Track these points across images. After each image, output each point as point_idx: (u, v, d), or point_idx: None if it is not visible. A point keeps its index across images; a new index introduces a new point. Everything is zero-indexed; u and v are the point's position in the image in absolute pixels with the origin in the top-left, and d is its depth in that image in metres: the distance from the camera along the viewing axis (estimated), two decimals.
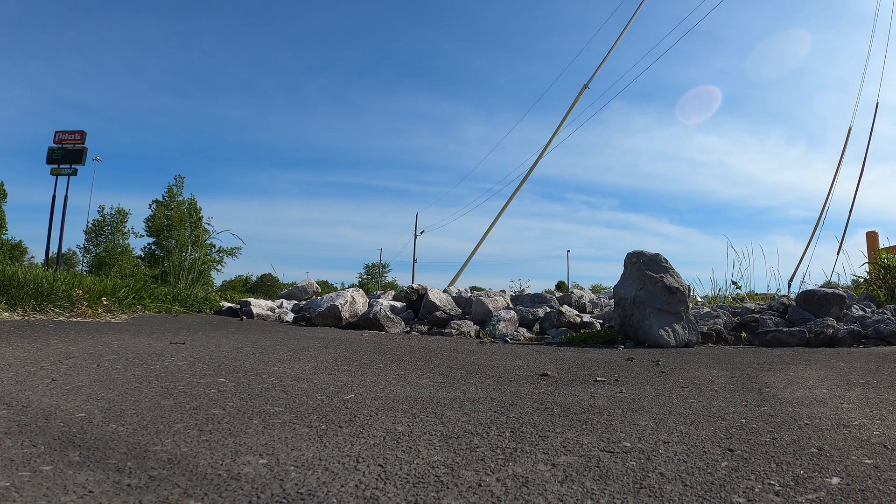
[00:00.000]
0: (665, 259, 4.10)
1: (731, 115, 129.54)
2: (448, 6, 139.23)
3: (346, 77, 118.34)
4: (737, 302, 6.72)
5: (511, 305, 5.22)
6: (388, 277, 57.33)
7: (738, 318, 4.64)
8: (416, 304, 5.49)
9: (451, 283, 10.39)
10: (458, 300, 5.58)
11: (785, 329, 3.99)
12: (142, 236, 36.11)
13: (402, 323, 4.90)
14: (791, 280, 8.97)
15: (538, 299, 5.40)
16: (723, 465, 1.20)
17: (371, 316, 4.78)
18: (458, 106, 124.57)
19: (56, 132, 14.40)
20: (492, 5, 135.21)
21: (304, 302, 6.07)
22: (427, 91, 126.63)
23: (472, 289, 7.03)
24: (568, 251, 59.41)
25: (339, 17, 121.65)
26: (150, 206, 35.94)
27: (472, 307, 5.08)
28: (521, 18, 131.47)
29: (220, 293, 8.15)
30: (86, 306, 4.22)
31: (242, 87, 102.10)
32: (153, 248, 35.05)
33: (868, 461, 1.22)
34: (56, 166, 14.08)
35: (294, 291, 6.71)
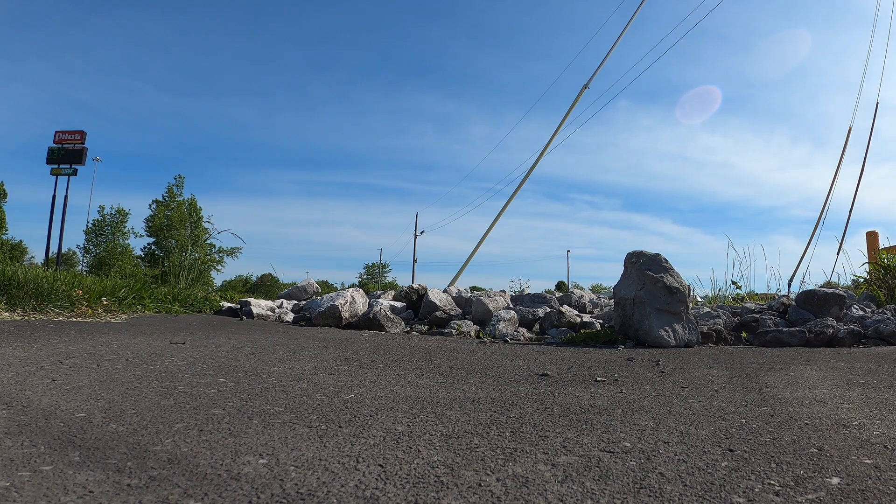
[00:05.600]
0: (665, 259, 4.10)
1: (735, 114, 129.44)
2: (453, 5, 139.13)
3: (350, 76, 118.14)
4: (737, 302, 6.72)
5: (511, 305, 5.22)
6: (388, 277, 57.32)
7: (738, 318, 4.64)
8: (416, 304, 5.49)
9: (451, 283, 10.39)
10: (458, 300, 5.58)
11: (785, 329, 3.99)
12: (142, 236, 36.19)
13: (402, 323, 4.90)
14: (791, 280, 8.98)
15: (538, 299, 5.40)
16: (723, 465, 1.20)
17: (371, 316, 4.78)
18: (462, 105, 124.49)
19: (56, 132, 14.38)
20: (496, 3, 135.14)
21: (304, 302, 6.07)
22: (431, 90, 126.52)
23: (472, 289, 7.03)
24: (568, 251, 59.48)
25: (344, 15, 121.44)
26: (150, 206, 36.01)
27: (472, 307, 5.08)
28: (526, 17, 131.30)
29: (220, 293, 8.15)
30: (86, 306, 4.23)
31: (245, 86, 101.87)
32: (153, 248, 35.08)
33: (868, 461, 1.22)
34: (56, 166, 14.08)
35: (294, 291, 6.71)
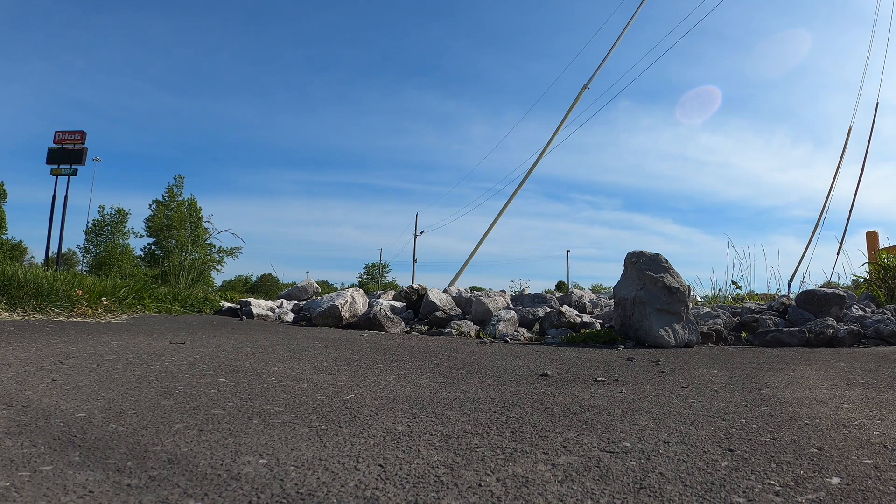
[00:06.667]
0: (665, 259, 4.10)
1: (736, 114, 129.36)
2: (453, 5, 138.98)
3: (350, 76, 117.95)
4: (737, 302, 6.72)
5: (511, 305, 5.22)
6: (388, 277, 57.36)
7: (738, 318, 4.64)
8: (416, 304, 5.49)
9: (452, 283, 10.39)
10: (458, 300, 5.58)
11: (785, 329, 3.99)
12: (142, 236, 36.25)
13: (402, 323, 4.90)
14: (791, 280, 8.98)
15: (538, 299, 5.39)
16: (723, 465, 1.20)
17: (371, 316, 4.78)
18: (462, 105, 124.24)
19: (56, 132, 14.37)
20: (496, 3, 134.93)
21: (304, 302, 6.07)
22: (431, 90, 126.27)
23: (472, 289, 7.03)
24: (568, 251, 59.49)
25: (344, 15, 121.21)
26: (150, 206, 36.06)
27: (472, 307, 5.08)
28: (526, 17, 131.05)
29: (220, 293, 8.15)
30: (86, 306, 4.23)
31: (245, 86, 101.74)
32: (153, 248, 35.11)
33: (868, 461, 1.22)
34: (56, 166, 14.07)
35: (294, 291, 6.71)
